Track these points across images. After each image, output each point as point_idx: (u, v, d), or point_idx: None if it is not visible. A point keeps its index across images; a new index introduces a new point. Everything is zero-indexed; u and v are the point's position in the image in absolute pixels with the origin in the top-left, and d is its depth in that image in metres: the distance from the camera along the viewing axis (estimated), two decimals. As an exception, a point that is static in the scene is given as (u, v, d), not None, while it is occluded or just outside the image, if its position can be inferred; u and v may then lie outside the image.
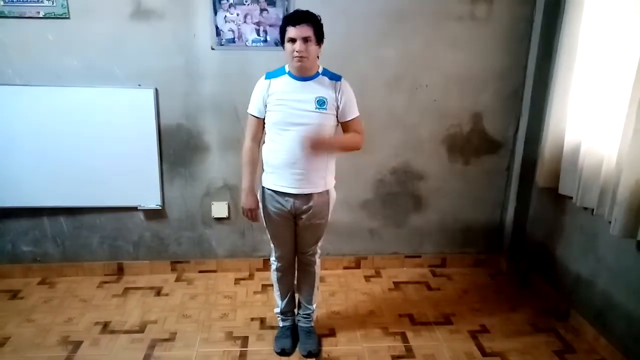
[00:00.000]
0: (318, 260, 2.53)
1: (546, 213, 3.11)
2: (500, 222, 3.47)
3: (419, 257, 3.50)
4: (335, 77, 2.24)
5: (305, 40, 2.07)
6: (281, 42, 2.17)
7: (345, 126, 2.31)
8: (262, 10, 2.93)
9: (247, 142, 2.31)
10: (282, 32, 2.13)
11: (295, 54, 2.08)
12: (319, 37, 2.14)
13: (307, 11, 2.12)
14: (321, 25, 2.14)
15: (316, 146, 2.14)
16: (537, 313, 2.93)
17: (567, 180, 2.71)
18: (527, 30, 3.08)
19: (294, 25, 2.07)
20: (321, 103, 2.17)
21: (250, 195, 2.31)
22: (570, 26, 2.63)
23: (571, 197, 2.68)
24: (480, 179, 3.36)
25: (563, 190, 2.76)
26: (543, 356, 2.52)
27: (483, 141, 3.29)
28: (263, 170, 2.33)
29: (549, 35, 2.97)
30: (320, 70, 2.22)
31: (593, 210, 2.49)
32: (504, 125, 3.27)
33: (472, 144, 3.29)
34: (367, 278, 3.36)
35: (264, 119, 2.26)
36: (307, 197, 2.28)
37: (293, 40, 2.08)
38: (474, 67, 3.13)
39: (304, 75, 2.18)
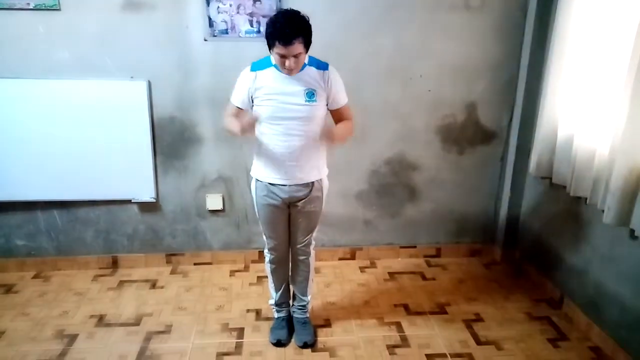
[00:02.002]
0: (312, 252, 2.53)
1: (540, 202, 3.12)
2: (495, 212, 3.48)
3: (414, 247, 3.52)
4: (322, 66, 2.20)
5: (297, 56, 2.01)
6: (268, 46, 2.04)
7: (335, 113, 2.30)
8: (255, 0, 2.91)
9: (226, 115, 2.29)
10: (270, 42, 2.01)
11: (286, 67, 2.03)
12: (308, 45, 2.06)
13: (297, 22, 1.97)
14: (310, 32, 2.03)
15: (331, 138, 2.16)
16: (531, 302, 2.95)
17: (561, 170, 2.72)
18: (521, 20, 3.07)
19: (284, 45, 1.95)
20: (310, 95, 2.15)
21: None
22: (563, 15, 2.62)
23: (565, 187, 2.69)
24: (474, 169, 3.37)
25: (557, 179, 2.76)
26: (537, 344, 2.55)
27: (477, 131, 3.29)
28: (254, 161, 2.33)
29: (542, 25, 2.96)
30: (306, 61, 2.17)
31: (586, 199, 2.50)
32: (498, 115, 3.27)
33: (466, 134, 3.29)
34: (362, 269, 3.37)
35: (245, 109, 2.25)
36: (301, 186, 2.28)
37: (282, 56, 2.01)
38: (468, 57, 3.12)
39: None
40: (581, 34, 2.53)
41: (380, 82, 3.12)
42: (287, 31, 1.94)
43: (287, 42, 1.95)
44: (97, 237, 3.28)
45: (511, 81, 3.19)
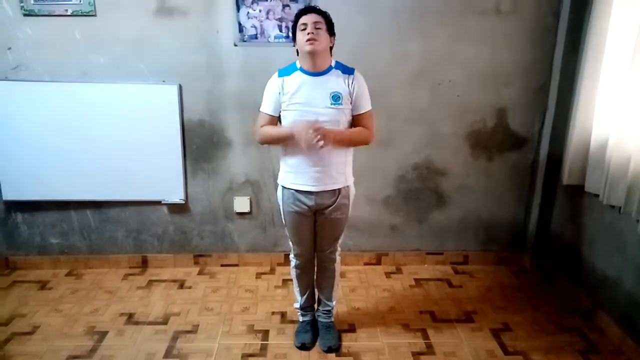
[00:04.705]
0: (338, 258, 2.52)
1: (572, 211, 3.04)
2: (525, 220, 3.41)
3: (441, 254, 3.48)
4: (348, 71, 2.21)
5: (317, 26, 2.10)
6: (293, 39, 2.20)
7: (356, 119, 2.26)
8: (284, 6, 2.94)
9: (259, 126, 2.29)
10: (294, 28, 2.18)
11: (307, 36, 2.08)
12: (330, 30, 2.17)
13: (317, 7, 2.22)
14: (331, 21, 2.19)
15: (324, 135, 2.05)
16: (562, 312, 2.88)
17: (594, 178, 2.65)
18: (554, 24, 3.01)
19: (304, 14, 2.15)
20: (336, 98, 2.16)
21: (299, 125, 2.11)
22: (598, 18, 2.56)
23: (597, 195, 2.62)
24: (504, 175, 3.31)
25: (589, 187, 2.70)
26: (567, 356, 2.48)
27: (507, 137, 3.24)
28: (280, 168, 2.35)
29: (576, 28, 2.90)
30: (333, 64, 2.21)
31: (620, 208, 2.43)
32: (529, 121, 3.21)
33: (496, 140, 3.24)
34: (388, 274, 3.35)
35: (277, 116, 2.26)
36: (328, 193, 2.27)
37: (304, 27, 2.11)
38: (498, 62, 3.08)
39: (316, 70, 2.16)
40: (616, 38, 2.47)
41: (408, 87, 3.11)
42: (308, 7, 2.23)
43: (307, 11, 2.15)
44: (128, 237, 3.36)
45: (543, 86, 3.13)
